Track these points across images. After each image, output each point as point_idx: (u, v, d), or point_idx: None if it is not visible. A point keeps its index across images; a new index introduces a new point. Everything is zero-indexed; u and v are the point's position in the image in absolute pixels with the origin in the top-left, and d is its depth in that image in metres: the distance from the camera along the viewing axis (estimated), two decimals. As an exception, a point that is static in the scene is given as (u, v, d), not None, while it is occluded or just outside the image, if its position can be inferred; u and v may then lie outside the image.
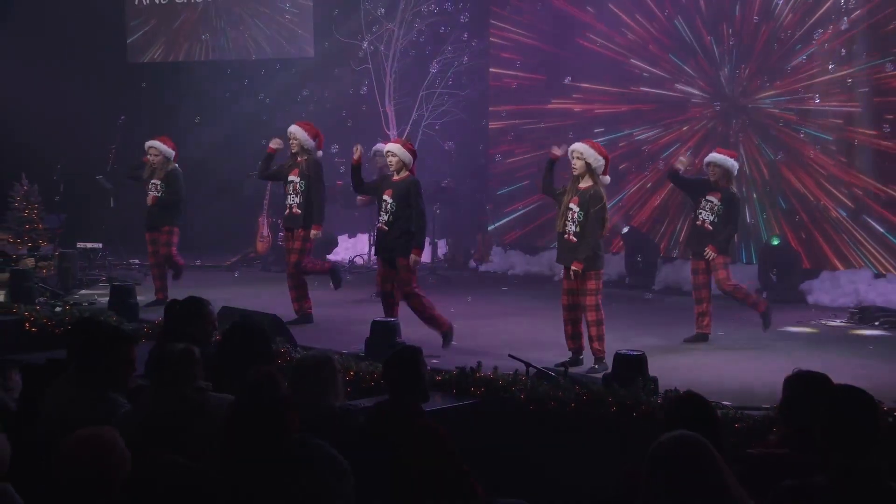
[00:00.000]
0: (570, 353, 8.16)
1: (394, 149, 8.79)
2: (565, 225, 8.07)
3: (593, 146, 8.19)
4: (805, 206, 12.10)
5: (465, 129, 14.37)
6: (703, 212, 9.05)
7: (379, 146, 11.81)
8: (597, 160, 8.03)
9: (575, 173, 8.08)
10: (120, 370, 4.81)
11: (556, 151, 8.33)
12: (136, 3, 16.68)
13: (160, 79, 16.14)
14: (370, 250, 14.08)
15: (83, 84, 14.86)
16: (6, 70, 13.81)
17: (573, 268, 8.00)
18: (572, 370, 7.54)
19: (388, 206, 8.62)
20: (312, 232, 9.65)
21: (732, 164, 9.13)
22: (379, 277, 8.96)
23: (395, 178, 8.72)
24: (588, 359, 8.14)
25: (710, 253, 8.92)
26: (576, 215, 8.00)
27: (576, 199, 8.02)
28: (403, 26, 14.04)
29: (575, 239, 8.02)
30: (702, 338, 9.14)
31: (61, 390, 4.81)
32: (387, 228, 8.65)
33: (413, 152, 8.83)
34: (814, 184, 12.06)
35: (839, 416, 3.65)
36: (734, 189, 9.17)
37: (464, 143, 14.43)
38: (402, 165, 8.69)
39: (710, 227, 9.00)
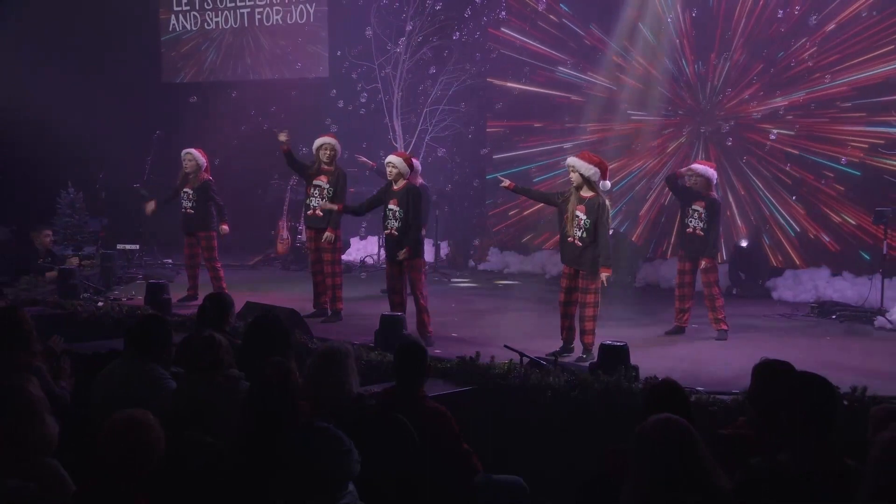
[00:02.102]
0: (561, 343, 8.16)
1: (394, 160, 8.75)
2: (573, 230, 7.99)
3: (584, 157, 8.11)
4: (772, 208, 12.12)
5: (465, 142, 14.39)
6: (692, 220, 9.02)
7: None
8: (588, 170, 7.96)
9: (573, 185, 8.04)
10: (167, 355, 5.06)
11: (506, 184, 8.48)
12: (170, 28, 16.72)
13: (189, 97, 16.17)
14: (379, 251, 14.10)
15: (123, 102, 14.89)
16: (55, 91, 13.83)
17: (604, 274, 7.91)
18: (563, 358, 7.56)
19: (396, 213, 8.58)
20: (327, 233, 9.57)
21: (712, 174, 9.12)
22: (388, 277, 8.94)
23: (395, 187, 8.66)
24: (577, 348, 8.15)
25: (704, 264, 8.94)
26: (583, 222, 7.92)
27: (582, 207, 7.96)
28: (409, 50, 14.06)
29: (580, 244, 7.94)
30: (679, 330, 9.15)
31: (117, 368, 4.94)
32: (397, 234, 8.59)
33: (411, 164, 8.81)
34: (786, 193, 12.08)
35: (801, 400, 3.67)
36: (715, 195, 9.15)
37: (463, 153, 14.44)
38: (400, 175, 8.64)
39: (702, 233, 8.98)
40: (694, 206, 9.03)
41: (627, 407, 6.05)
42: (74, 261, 11.66)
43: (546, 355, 7.46)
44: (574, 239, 8.00)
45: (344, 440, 3.55)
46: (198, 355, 4.64)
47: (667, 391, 4.16)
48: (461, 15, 14.12)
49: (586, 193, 7.99)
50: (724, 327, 8.99)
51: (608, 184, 8.21)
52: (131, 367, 4.90)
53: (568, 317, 8.17)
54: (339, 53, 14.86)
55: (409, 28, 13.94)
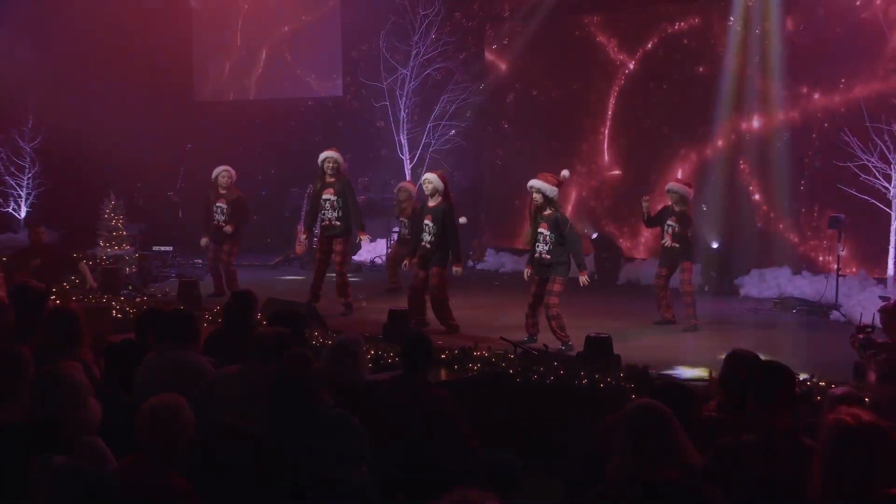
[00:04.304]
0: (526, 335, 8.11)
1: (430, 177, 8.70)
2: (540, 246, 7.95)
3: (545, 179, 8.00)
4: (740, 214, 12.12)
5: (464, 154, 14.40)
6: (667, 235, 9.05)
7: (402, 184, 11.68)
8: (552, 191, 7.92)
9: (537, 204, 7.97)
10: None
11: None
12: (199, 52, 16.74)
13: (217, 114, 16.19)
14: (387, 252, 14.09)
15: (158, 119, 14.91)
16: (98, 109, 13.87)
17: (583, 278, 7.90)
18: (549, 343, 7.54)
19: (430, 228, 8.52)
20: (360, 237, 9.66)
21: (687, 191, 9.11)
22: (413, 278, 8.80)
23: (431, 203, 8.61)
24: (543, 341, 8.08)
25: (682, 267, 8.99)
26: (547, 237, 7.89)
27: (544, 224, 7.93)
28: (415, 70, 14.07)
29: (549, 257, 7.90)
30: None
31: (155, 359, 4.89)
32: (429, 247, 8.53)
33: (445, 181, 8.73)
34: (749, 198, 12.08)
35: (763, 386, 3.69)
36: (687, 210, 9.11)
37: (463, 163, 14.46)
38: (436, 191, 8.58)
39: (676, 244, 9.00)
40: (669, 222, 9.05)
41: (610, 391, 6.04)
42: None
43: (514, 344, 7.42)
44: (540, 254, 7.97)
45: (356, 424, 3.55)
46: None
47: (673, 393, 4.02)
48: (462, 38, 14.19)
49: (547, 212, 7.95)
50: (693, 323, 8.95)
51: (566, 172, 8.21)
52: (168, 357, 4.88)
53: (532, 314, 8.13)
54: (351, 73, 14.90)
55: (415, 51, 13.96)
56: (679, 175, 12.00)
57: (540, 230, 7.96)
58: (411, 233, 9.60)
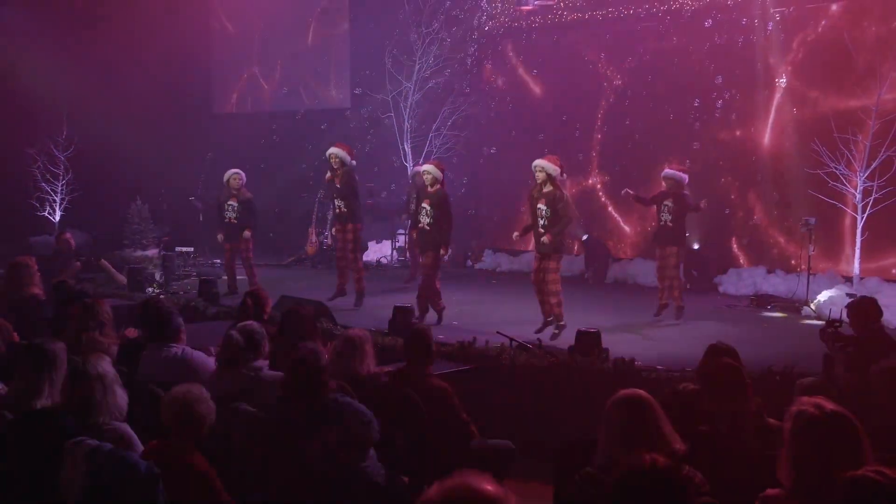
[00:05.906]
0: (542, 318, 8.18)
1: (428, 168, 8.90)
2: (537, 220, 8.09)
3: (549, 160, 8.13)
4: (720, 218, 12.12)
5: (464, 161, 14.40)
6: (663, 213, 9.09)
7: (416, 168, 11.82)
8: (555, 170, 8.03)
9: (539, 182, 8.10)
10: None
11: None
12: (219, 67, 16.75)
13: (235, 125, 16.21)
14: (392, 253, 14.10)
15: (181, 129, 14.95)
16: (128, 122, 13.88)
17: (546, 239, 8.00)
18: (544, 332, 7.56)
19: (428, 210, 8.69)
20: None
21: (682, 176, 9.15)
22: (418, 264, 9.04)
23: (430, 189, 8.78)
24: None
25: (671, 250, 8.97)
26: (544, 212, 8.04)
27: (543, 200, 8.06)
28: (418, 84, 14.08)
29: (542, 231, 8.06)
30: (663, 308, 9.07)
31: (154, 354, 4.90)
32: (428, 228, 8.71)
33: (442, 170, 8.94)
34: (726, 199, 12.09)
35: (709, 372, 3.75)
36: (685, 193, 9.14)
37: (462, 170, 14.45)
38: (435, 180, 8.75)
39: (672, 224, 9.01)
40: (665, 202, 9.08)
41: (599, 382, 6.05)
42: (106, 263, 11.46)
43: (535, 332, 7.46)
44: (538, 228, 8.08)
45: (364, 412, 3.56)
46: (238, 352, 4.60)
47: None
48: (462, 54, 14.20)
49: (547, 189, 8.03)
50: (679, 303, 8.98)
51: (564, 176, 8.35)
52: (158, 354, 4.87)
53: (539, 293, 8.22)
54: (358, 85, 14.91)
55: (417, 66, 13.97)
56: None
57: (539, 206, 8.07)
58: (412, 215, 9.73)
